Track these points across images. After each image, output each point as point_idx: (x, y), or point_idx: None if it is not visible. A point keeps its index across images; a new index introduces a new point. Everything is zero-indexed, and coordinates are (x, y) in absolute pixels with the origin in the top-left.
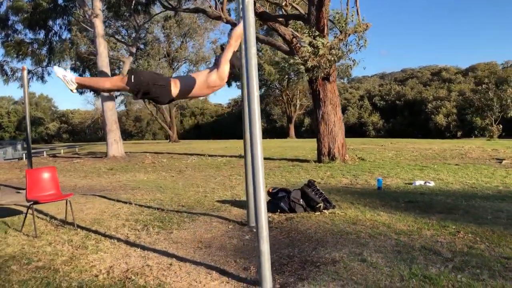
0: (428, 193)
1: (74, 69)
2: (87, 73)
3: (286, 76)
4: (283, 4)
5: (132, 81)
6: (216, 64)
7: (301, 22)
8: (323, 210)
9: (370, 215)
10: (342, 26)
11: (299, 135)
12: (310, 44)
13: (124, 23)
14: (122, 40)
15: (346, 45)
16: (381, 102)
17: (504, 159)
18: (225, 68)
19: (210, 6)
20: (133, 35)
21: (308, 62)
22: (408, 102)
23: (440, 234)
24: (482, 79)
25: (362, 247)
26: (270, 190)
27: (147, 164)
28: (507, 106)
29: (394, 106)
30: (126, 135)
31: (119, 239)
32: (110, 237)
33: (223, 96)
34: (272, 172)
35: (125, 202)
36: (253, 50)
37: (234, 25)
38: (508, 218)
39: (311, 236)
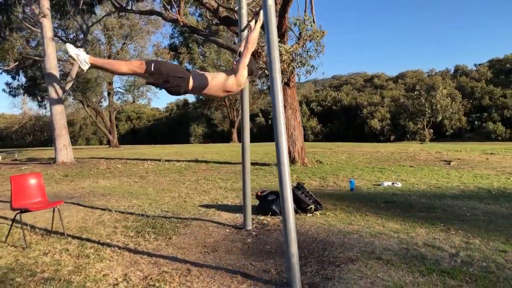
0: (399, 193)
1: (7, 71)
2: (21, 75)
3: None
4: (237, 8)
5: (152, 69)
6: (234, 70)
7: None
8: (314, 212)
9: (359, 215)
10: (303, 32)
11: (240, 139)
12: None
13: (62, 23)
14: (68, 41)
15: (307, 52)
16: (318, 107)
17: (451, 161)
18: (243, 73)
19: (165, 10)
20: (71, 35)
21: None
22: (344, 108)
23: (433, 231)
24: (412, 86)
25: (370, 245)
26: (259, 193)
27: (102, 170)
28: (437, 111)
29: (331, 111)
30: None
31: (118, 247)
32: (108, 245)
33: (161, 100)
34: (238, 176)
35: (104, 209)
36: (276, 54)
37: (190, 28)
38: (484, 215)
39: (314, 237)
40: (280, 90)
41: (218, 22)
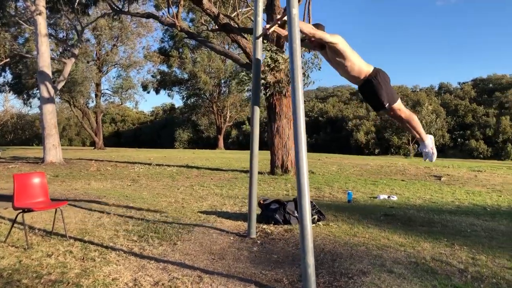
0: (397, 207)
1: None
2: (7, 72)
3: (247, 87)
4: (233, 15)
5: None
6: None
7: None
8: (318, 222)
9: (361, 227)
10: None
11: (226, 146)
12: (271, 58)
13: (54, 22)
14: (61, 40)
15: (306, 63)
16: (305, 118)
17: (442, 176)
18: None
19: (158, 11)
20: (61, 34)
21: (268, 77)
22: (330, 119)
23: (438, 246)
24: None
25: (379, 258)
26: (262, 202)
27: (93, 172)
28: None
29: (317, 122)
30: (39, 140)
31: (123, 251)
32: (112, 248)
33: (146, 104)
34: (232, 183)
35: (102, 212)
36: (299, 62)
37: (188, 32)
38: (484, 231)
39: (321, 248)
40: (302, 98)
41: (215, 28)
